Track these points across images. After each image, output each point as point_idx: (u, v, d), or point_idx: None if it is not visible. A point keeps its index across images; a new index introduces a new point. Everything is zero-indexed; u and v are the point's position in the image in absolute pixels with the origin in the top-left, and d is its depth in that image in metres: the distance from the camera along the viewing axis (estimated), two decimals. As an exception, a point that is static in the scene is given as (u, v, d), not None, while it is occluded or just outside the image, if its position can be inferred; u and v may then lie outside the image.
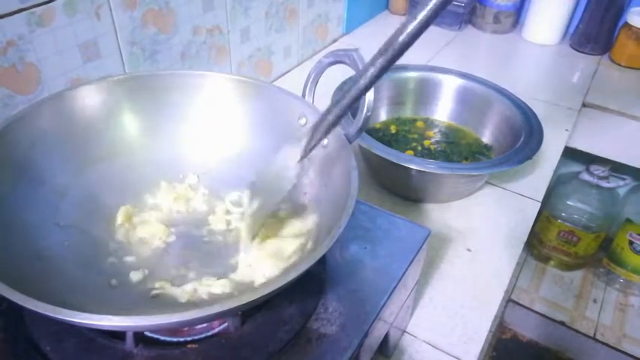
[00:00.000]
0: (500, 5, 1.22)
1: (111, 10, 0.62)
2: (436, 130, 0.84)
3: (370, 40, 1.17)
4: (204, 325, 0.38)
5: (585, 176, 1.28)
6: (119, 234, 0.45)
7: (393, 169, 0.66)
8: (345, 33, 1.20)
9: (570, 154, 1.12)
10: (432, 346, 0.54)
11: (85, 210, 0.45)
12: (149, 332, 0.38)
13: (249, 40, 0.88)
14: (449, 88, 0.84)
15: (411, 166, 0.63)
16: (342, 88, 0.75)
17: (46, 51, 0.57)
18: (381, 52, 0.33)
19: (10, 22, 0.52)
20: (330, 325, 0.40)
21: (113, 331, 0.37)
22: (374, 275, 0.45)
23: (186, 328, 0.38)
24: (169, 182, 0.50)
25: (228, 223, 0.48)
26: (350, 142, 0.44)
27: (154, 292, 0.40)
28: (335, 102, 0.38)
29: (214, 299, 0.40)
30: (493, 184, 0.77)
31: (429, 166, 0.63)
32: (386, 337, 0.49)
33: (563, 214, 1.34)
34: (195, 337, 0.38)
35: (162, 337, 0.38)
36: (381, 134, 0.81)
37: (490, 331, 0.57)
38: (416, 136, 0.81)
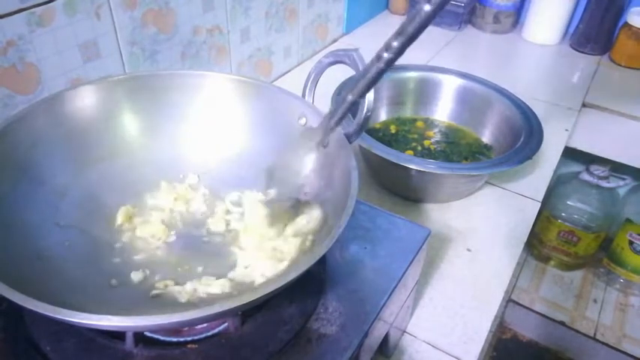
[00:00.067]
0: (500, 5, 1.22)
1: (111, 10, 0.62)
2: (436, 130, 0.84)
3: (370, 40, 1.17)
4: (204, 325, 0.38)
5: (585, 176, 1.28)
6: (119, 234, 0.45)
7: (393, 169, 0.66)
8: (345, 33, 1.20)
9: (570, 154, 1.12)
10: (432, 346, 0.54)
11: (85, 210, 0.45)
12: (149, 332, 0.38)
13: (249, 40, 0.88)
14: (449, 88, 0.84)
15: (411, 166, 0.63)
16: (342, 88, 0.75)
17: (46, 51, 0.57)
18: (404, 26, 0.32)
19: (10, 22, 0.52)
20: (330, 325, 0.40)
21: (113, 331, 0.37)
22: (374, 275, 0.45)
23: (186, 328, 0.38)
24: (169, 182, 0.50)
25: (228, 223, 0.48)
26: (350, 142, 0.44)
27: (154, 292, 0.40)
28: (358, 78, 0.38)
29: (214, 299, 0.40)
30: (493, 184, 0.77)
31: (429, 166, 0.63)
32: (386, 337, 0.49)
33: (563, 214, 1.34)
34: (195, 337, 0.38)
35: (162, 337, 0.38)
36: (381, 134, 0.81)
37: (490, 331, 0.57)
38: (416, 136, 0.81)
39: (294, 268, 0.33)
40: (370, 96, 0.43)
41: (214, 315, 0.30)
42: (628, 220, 1.31)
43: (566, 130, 0.91)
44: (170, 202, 0.49)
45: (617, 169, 1.25)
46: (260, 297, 0.31)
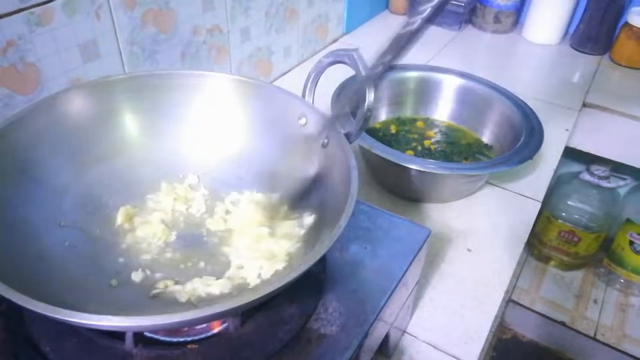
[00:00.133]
0: (500, 5, 1.22)
1: (111, 10, 0.62)
2: (436, 130, 0.84)
3: (370, 39, 1.17)
4: (204, 325, 0.38)
5: (586, 176, 1.28)
6: (119, 234, 0.45)
7: (393, 169, 0.66)
8: (345, 33, 1.20)
9: (570, 154, 1.12)
10: (433, 346, 0.54)
11: (85, 210, 0.45)
12: (149, 332, 0.38)
13: (249, 40, 0.88)
14: (449, 88, 0.84)
15: (411, 166, 0.63)
16: (342, 88, 0.75)
17: (46, 51, 0.57)
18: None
19: (9, 22, 0.52)
20: (330, 326, 0.40)
21: (113, 331, 0.37)
22: (374, 275, 0.45)
23: (186, 328, 0.38)
24: (169, 182, 0.50)
25: (227, 223, 0.48)
26: (350, 142, 0.44)
27: (154, 292, 0.40)
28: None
29: (214, 299, 0.40)
30: (493, 184, 0.77)
31: (429, 166, 0.63)
32: (386, 337, 0.49)
33: (563, 214, 1.34)
34: (195, 337, 0.38)
35: (162, 338, 0.38)
36: (381, 134, 0.81)
37: (490, 331, 0.57)
38: (416, 136, 0.81)
39: (294, 268, 0.33)
40: (370, 96, 0.43)
41: (214, 315, 0.30)
42: (628, 220, 1.31)
43: (567, 130, 0.91)
44: (170, 203, 0.49)
45: (618, 169, 1.25)
46: (260, 297, 0.31)
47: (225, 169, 0.52)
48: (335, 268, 0.45)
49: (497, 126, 0.80)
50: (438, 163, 0.65)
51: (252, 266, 0.42)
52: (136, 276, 0.42)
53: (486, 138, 0.81)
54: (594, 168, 1.26)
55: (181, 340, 0.38)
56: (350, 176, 0.39)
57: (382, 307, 0.42)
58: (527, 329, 1.42)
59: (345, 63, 0.46)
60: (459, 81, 0.84)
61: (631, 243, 1.31)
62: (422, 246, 0.48)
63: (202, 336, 0.38)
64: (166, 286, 0.41)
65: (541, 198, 0.75)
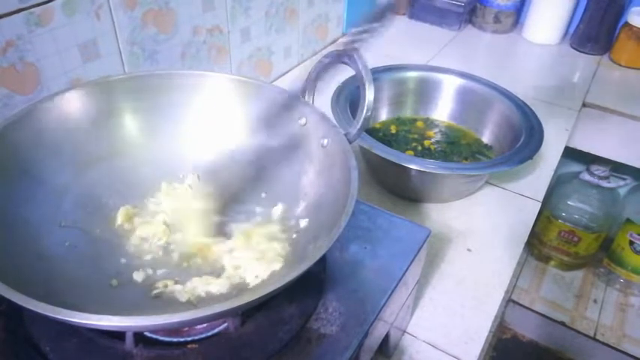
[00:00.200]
0: (500, 5, 1.22)
1: (111, 10, 0.62)
2: (436, 130, 0.84)
3: (370, 39, 1.16)
4: (204, 325, 0.38)
5: (586, 176, 1.28)
6: (119, 234, 0.45)
7: (393, 169, 0.66)
8: (345, 33, 1.20)
9: (570, 154, 1.12)
10: (433, 346, 0.54)
11: (85, 210, 0.45)
12: (149, 332, 0.38)
13: (249, 40, 0.88)
14: (449, 88, 0.84)
15: (411, 166, 0.63)
16: (342, 88, 0.75)
17: (46, 51, 0.57)
18: None
19: (9, 22, 0.52)
20: (330, 326, 0.40)
21: (113, 331, 0.37)
22: (374, 275, 0.45)
23: (186, 328, 0.38)
24: (169, 182, 0.50)
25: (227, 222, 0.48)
26: (350, 142, 0.44)
27: (155, 291, 0.40)
28: None
29: (214, 299, 0.40)
30: (493, 184, 0.77)
31: (429, 166, 0.63)
32: (386, 337, 0.49)
33: (563, 214, 1.34)
34: (195, 337, 0.38)
35: (162, 337, 0.38)
36: (381, 134, 0.81)
37: (490, 331, 0.57)
38: (416, 136, 0.81)
39: (294, 268, 0.33)
40: (370, 96, 0.43)
41: (214, 315, 0.30)
42: (628, 220, 1.31)
43: (567, 129, 0.91)
44: (170, 202, 0.49)
45: (618, 169, 1.25)
46: (260, 297, 0.31)
47: (225, 169, 0.52)
48: (335, 268, 0.45)
49: (497, 126, 0.80)
50: (438, 163, 0.65)
51: (249, 267, 0.42)
52: (137, 276, 0.42)
53: (486, 138, 0.81)
54: (594, 168, 1.26)
55: (181, 340, 0.38)
56: (350, 176, 0.39)
57: (382, 307, 0.42)
58: (527, 329, 1.42)
59: (345, 63, 0.46)
60: (459, 81, 0.84)
61: (631, 243, 1.31)
62: (422, 246, 0.48)
63: (202, 336, 0.38)
64: (166, 286, 0.41)
65: (541, 198, 0.75)
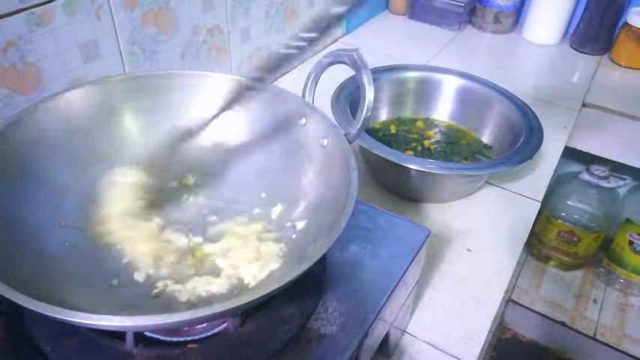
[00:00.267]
0: (500, 5, 1.22)
1: (111, 10, 0.62)
2: (436, 130, 0.84)
3: (370, 40, 1.17)
4: (204, 325, 0.38)
5: (585, 176, 1.28)
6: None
7: (393, 169, 0.66)
8: (345, 33, 1.20)
9: (570, 154, 1.12)
10: (432, 346, 0.54)
11: (85, 210, 0.45)
12: (149, 332, 0.38)
13: (250, 40, 0.88)
14: (449, 88, 0.84)
15: (411, 166, 0.63)
16: (342, 88, 0.75)
17: (46, 51, 0.57)
18: None
19: (10, 22, 0.52)
20: (330, 325, 0.40)
21: (113, 331, 0.37)
22: (374, 275, 0.45)
23: (186, 328, 0.38)
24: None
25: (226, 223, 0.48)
26: (350, 142, 0.44)
27: (155, 291, 0.40)
28: None
29: (214, 298, 0.40)
30: (493, 184, 0.77)
31: (429, 166, 0.63)
32: (386, 337, 0.49)
33: (563, 214, 1.34)
34: (195, 337, 0.38)
35: (162, 337, 0.38)
36: (381, 134, 0.81)
37: (490, 331, 0.57)
38: (416, 136, 0.81)
39: (293, 268, 0.33)
40: (370, 96, 0.44)
41: (214, 315, 0.30)
42: (628, 220, 1.31)
43: (565, 128, 0.91)
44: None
45: (617, 169, 1.25)
46: (260, 297, 0.31)
47: (225, 170, 0.52)
48: (335, 268, 0.45)
49: (497, 126, 0.80)
50: (438, 163, 0.65)
51: (248, 266, 0.42)
52: (137, 276, 0.42)
53: (486, 138, 0.81)
54: (594, 168, 1.26)
55: (181, 339, 0.38)
56: (350, 176, 0.39)
57: (382, 307, 0.42)
58: (527, 329, 1.42)
59: (345, 63, 0.46)
60: (458, 81, 0.84)
61: (631, 243, 1.31)
62: (422, 246, 0.48)
63: (202, 336, 0.38)
64: (166, 286, 0.41)
65: (541, 198, 0.75)
